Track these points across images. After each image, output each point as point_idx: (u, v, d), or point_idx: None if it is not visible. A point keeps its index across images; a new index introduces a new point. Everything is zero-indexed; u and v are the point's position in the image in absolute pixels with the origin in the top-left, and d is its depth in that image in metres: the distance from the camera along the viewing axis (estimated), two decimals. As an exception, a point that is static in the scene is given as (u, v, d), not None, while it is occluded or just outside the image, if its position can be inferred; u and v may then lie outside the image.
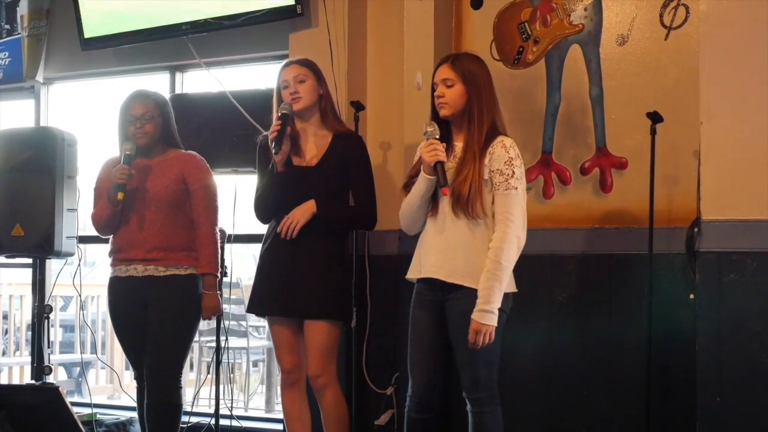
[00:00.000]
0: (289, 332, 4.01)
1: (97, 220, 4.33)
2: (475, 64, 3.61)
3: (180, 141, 4.44)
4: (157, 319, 4.23)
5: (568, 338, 4.33)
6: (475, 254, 3.48)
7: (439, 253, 3.55)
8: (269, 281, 4.01)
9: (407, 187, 3.66)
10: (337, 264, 4.01)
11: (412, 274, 3.68)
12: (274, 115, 3.98)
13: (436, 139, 3.52)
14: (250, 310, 4.12)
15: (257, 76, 5.65)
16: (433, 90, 3.61)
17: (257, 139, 4.17)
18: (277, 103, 4.01)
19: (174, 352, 4.25)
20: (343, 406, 4.03)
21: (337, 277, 3.99)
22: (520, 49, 4.60)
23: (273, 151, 3.90)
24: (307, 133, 4.03)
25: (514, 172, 3.49)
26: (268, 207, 4.03)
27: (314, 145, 4.02)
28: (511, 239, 3.45)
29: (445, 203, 3.54)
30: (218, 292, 4.36)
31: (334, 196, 3.99)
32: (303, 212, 3.92)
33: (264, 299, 4.04)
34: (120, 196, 4.17)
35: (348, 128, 4.21)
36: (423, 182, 3.55)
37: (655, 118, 4.06)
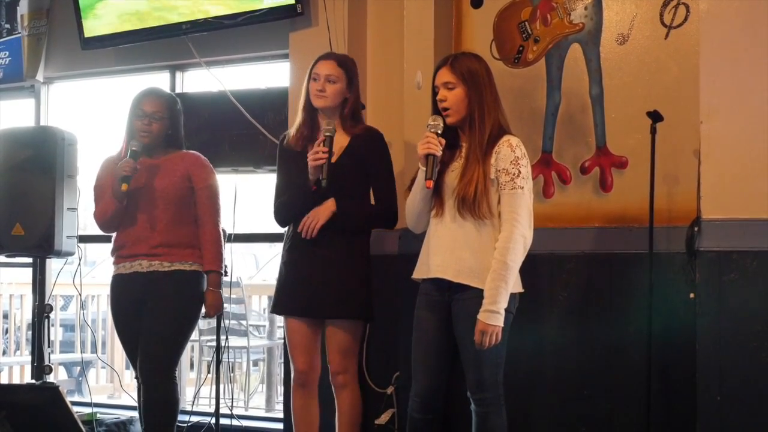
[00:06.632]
0: (306, 333, 4.01)
1: (101, 217, 4.34)
2: (474, 62, 3.60)
3: (184, 143, 4.45)
4: (153, 313, 4.23)
5: (568, 338, 4.32)
6: (482, 254, 3.48)
7: (446, 253, 3.54)
8: (290, 282, 4.01)
9: (410, 188, 3.67)
10: (359, 263, 3.99)
11: (419, 274, 3.67)
12: (301, 105, 3.97)
13: (437, 133, 3.52)
14: (273, 310, 4.16)
15: (257, 75, 5.65)
16: (435, 93, 3.60)
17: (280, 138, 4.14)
18: (306, 91, 3.96)
19: (167, 345, 4.25)
20: (359, 408, 4.04)
21: (359, 275, 3.97)
22: (520, 48, 4.60)
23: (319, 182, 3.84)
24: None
25: (520, 172, 3.49)
26: (291, 216, 4.01)
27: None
28: (517, 239, 3.45)
29: (450, 204, 3.54)
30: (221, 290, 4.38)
31: (351, 194, 3.96)
32: (323, 211, 3.90)
33: (284, 300, 4.04)
34: (124, 187, 4.17)
35: (367, 126, 4.12)
36: (420, 174, 3.56)
37: (655, 117, 4.05)
